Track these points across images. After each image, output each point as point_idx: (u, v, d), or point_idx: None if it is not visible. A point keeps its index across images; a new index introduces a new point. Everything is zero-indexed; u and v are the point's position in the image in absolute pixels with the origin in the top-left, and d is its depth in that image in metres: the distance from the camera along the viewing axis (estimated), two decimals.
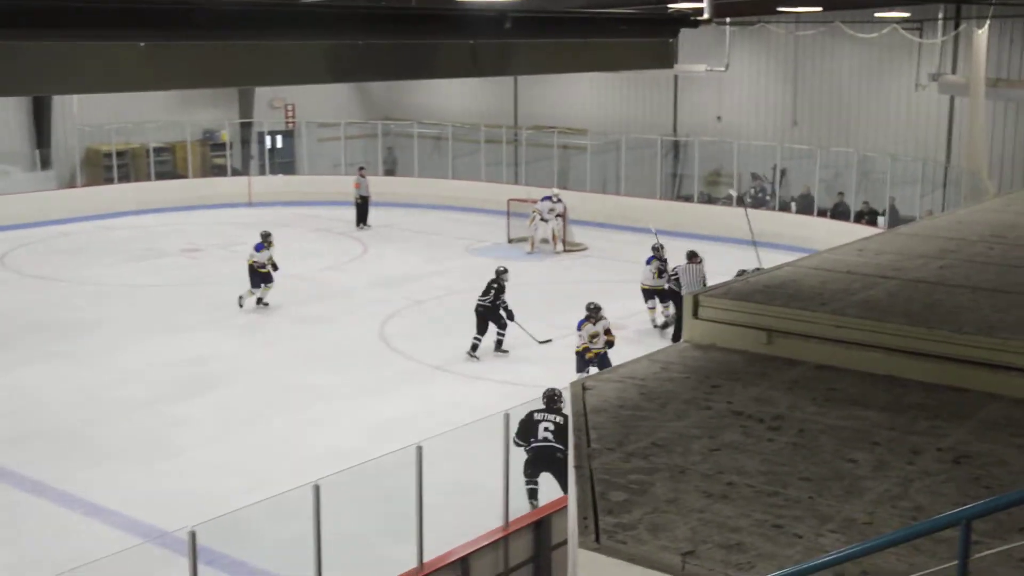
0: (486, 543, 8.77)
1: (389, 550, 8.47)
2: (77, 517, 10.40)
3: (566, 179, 29.20)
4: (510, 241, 24.99)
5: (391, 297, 19.39)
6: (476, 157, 30.50)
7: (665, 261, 17.85)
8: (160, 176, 30.56)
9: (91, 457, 12.02)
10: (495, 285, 15.98)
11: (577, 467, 5.23)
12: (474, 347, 15.60)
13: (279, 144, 33.60)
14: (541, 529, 9.06)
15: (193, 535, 6.71)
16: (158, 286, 20.83)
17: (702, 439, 5.50)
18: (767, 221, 24.01)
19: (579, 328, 14.12)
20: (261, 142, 32.87)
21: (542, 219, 24.03)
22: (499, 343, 15.96)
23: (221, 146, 31.92)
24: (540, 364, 15.03)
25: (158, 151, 30.75)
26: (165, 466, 11.80)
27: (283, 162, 32.92)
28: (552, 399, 10.30)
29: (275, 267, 18.57)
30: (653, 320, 17.63)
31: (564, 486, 9.09)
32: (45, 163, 29.42)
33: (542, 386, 10.55)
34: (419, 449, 8.18)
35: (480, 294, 15.93)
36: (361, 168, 27.60)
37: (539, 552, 9.08)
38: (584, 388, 6.29)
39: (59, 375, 14.84)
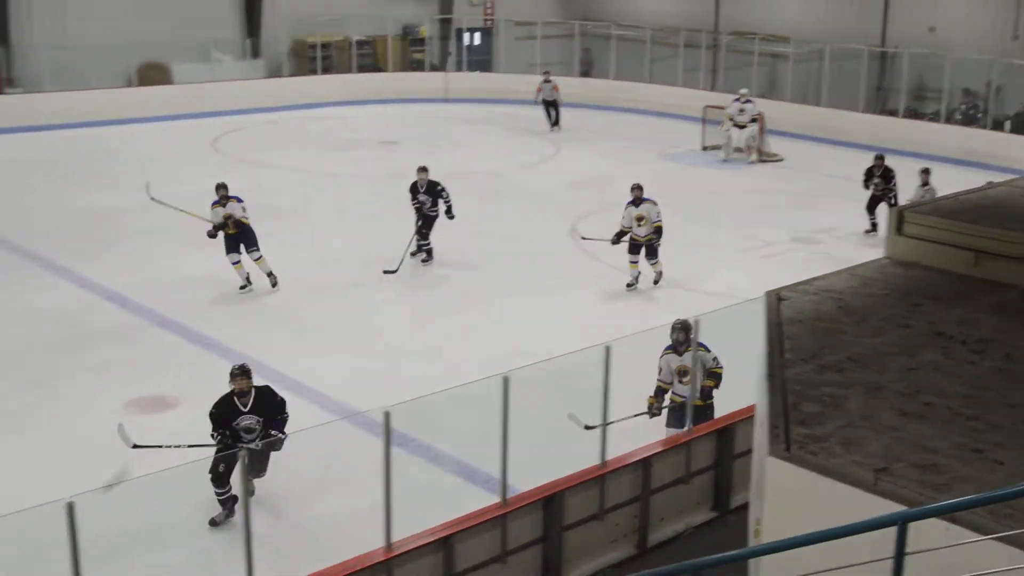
0: (667, 447, 8.85)
1: (572, 447, 8.63)
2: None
3: (766, 88, 28.39)
4: (704, 148, 24.58)
5: (582, 199, 19.42)
6: (674, 62, 29.91)
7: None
8: (361, 69, 31.24)
9: (292, 335, 12.61)
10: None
11: (769, 376, 5.22)
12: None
13: (476, 41, 33.74)
14: (724, 437, 9.07)
15: (387, 416, 6.98)
16: (356, 176, 21.48)
17: (900, 357, 5.39)
18: (978, 140, 22.85)
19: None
20: (459, 39, 33.09)
21: (734, 124, 23.47)
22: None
23: (420, 41, 32.33)
24: (750, 274, 14.65)
25: (360, 44, 31.42)
26: (362, 348, 12.27)
27: (479, 59, 33.07)
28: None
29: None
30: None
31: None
32: (255, 52, 30.44)
33: (736, 296, 10.42)
34: (607, 349, 8.26)
35: None
36: (546, 72, 27.38)
37: (720, 460, 9.11)
38: (779, 299, 6.23)
39: (264, 255, 15.52)
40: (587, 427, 8.34)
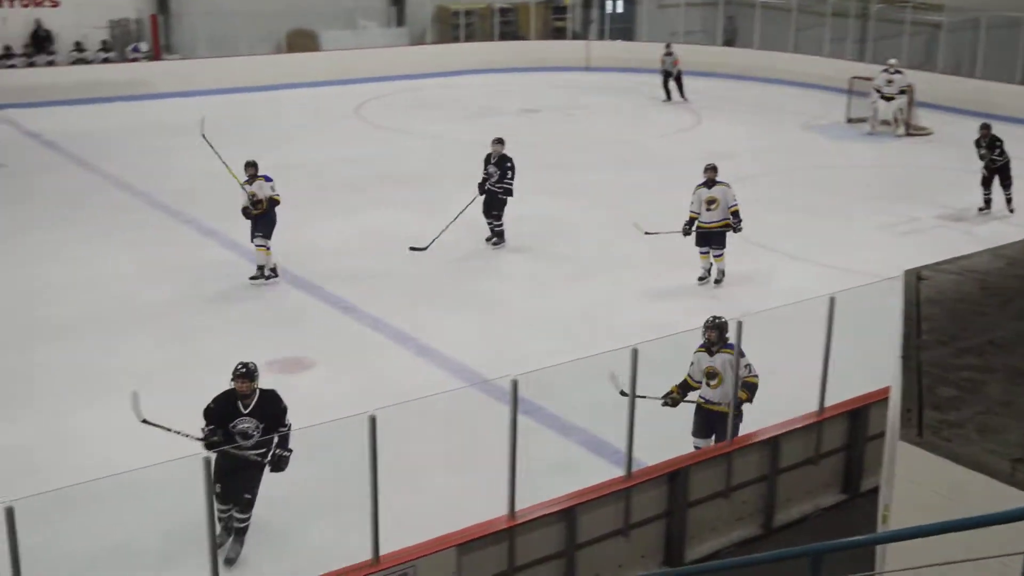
0: (798, 426, 8.68)
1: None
2: (408, 355, 11.15)
3: (917, 58, 27.40)
4: (849, 121, 23.88)
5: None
6: (819, 31, 29.11)
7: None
8: (503, 37, 31.32)
9: (425, 299, 12.79)
10: None
11: (904, 358, 5.06)
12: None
13: (619, 9, 33.44)
14: (857, 418, 8.85)
15: (515, 384, 7.03)
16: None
17: None
18: None
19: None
20: (602, 7, 32.85)
21: (881, 96, 22.72)
22: None
23: (563, 9, 32.21)
24: (888, 252, 14.22)
25: (503, 12, 31.49)
26: (491, 316, 12.38)
27: (622, 27, 32.78)
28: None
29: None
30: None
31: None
32: (400, 20, 30.81)
33: (871, 274, 10.11)
34: (739, 324, 8.15)
35: None
36: (667, 43, 26.82)
37: (853, 441, 8.90)
38: (919, 278, 6.03)
39: (400, 221, 15.78)
40: (622, 392, 7.75)
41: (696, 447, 8.58)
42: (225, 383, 7.52)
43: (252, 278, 13.06)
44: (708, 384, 8.53)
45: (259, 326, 11.90)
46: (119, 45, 27.15)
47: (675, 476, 7.98)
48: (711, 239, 13.01)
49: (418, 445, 8.95)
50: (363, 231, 15.39)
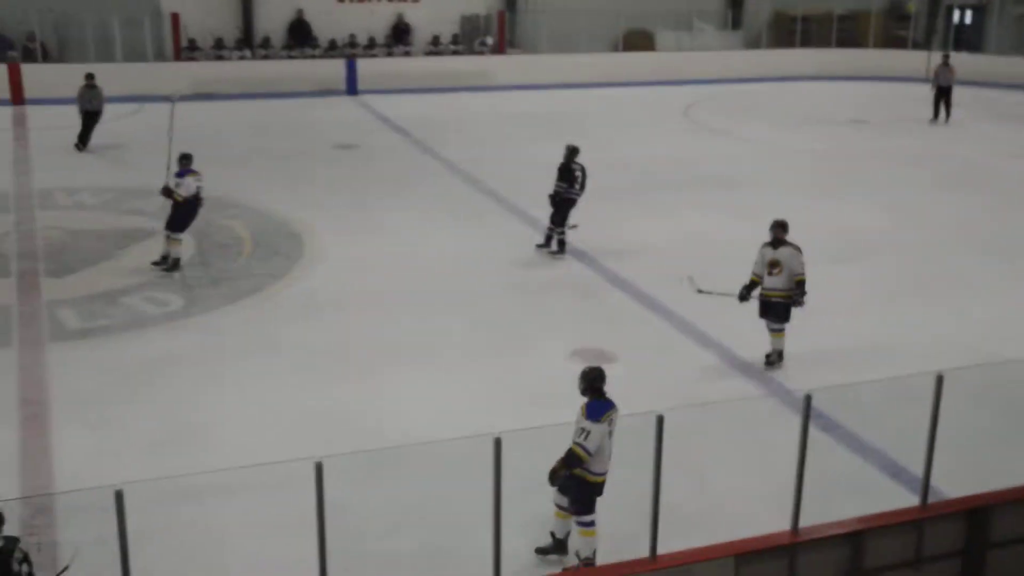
0: None
1: (1013, 459, 8.09)
2: (711, 358, 11.15)
3: None
4: None
5: None
6: None
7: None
8: (840, 43, 30.48)
9: (736, 307, 12.65)
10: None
11: None
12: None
13: (967, 20, 31.67)
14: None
15: (808, 398, 6.96)
16: (819, 152, 21.11)
17: None
18: None
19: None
20: (948, 16, 31.23)
21: None
22: None
23: (905, 18, 30.94)
24: None
25: (842, 19, 30.64)
26: (800, 326, 12.11)
27: (969, 39, 31.03)
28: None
29: None
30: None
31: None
32: (736, 23, 30.63)
33: None
34: None
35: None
36: (945, 55, 24.92)
37: None
38: None
39: (718, 225, 15.78)
40: (699, 291, 10.37)
41: (765, 325, 10.62)
42: (531, 368, 7.75)
43: (153, 263, 13.15)
44: (770, 273, 10.47)
45: (568, 316, 12.29)
46: (468, 39, 28.65)
47: (975, 513, 7.61)
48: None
49: (707, 448, 9.01)
50: (679, 231, 15.52)
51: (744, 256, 14.24)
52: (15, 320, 11.64)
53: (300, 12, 27.44)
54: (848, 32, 30.93)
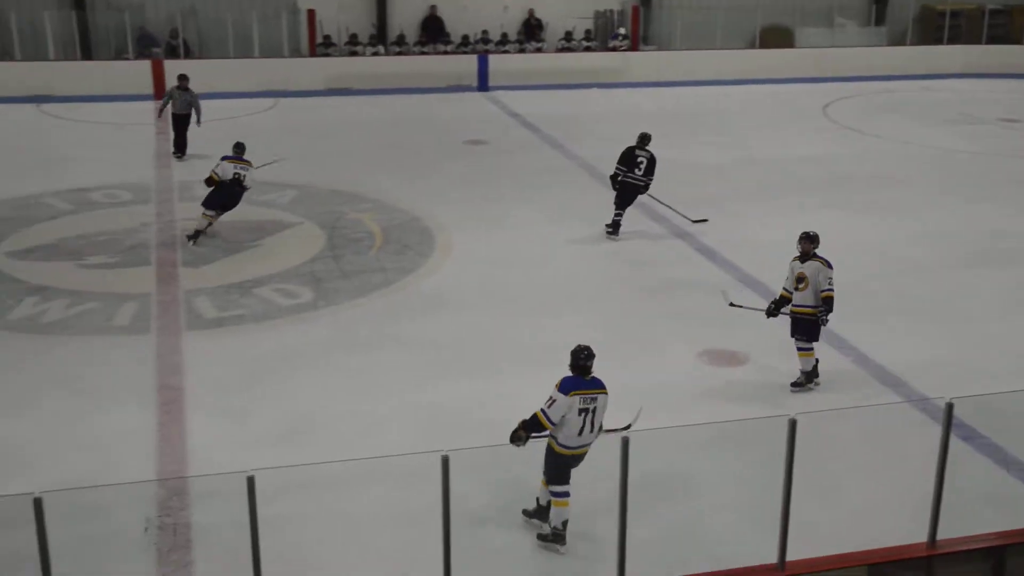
0: None
1: None
2: (846, 363, 10.82)
3: None
4: None
5: None
6: None
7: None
8: (991, 40, 29.35)
9: (874, 308, 12.31)
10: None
11: None
12: None
13: None
14: None
15: (950, 406, 6.68)
16: (967, 152, 20.36)
17: None
18: None
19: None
20: None
21: None
22: None
23: None
24: None
25: (994, 14, 29.46)
26: (943, 331, 11.70)
27: None
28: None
29: None
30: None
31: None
32: (879, 19, 29.79)
33: None
34: None
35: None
36: None
37: None
38: None
39: (852, 226, 15.35)
40: (731, 304, 10.31)
41: (793, 343, 10.11)
42: (658, 369, 7.61)
43: (187, 236, 14.22)
44: (797, 288, 9.95)
45: (696, 316, 12.07)
46: (601, 35, 28.52)
47: None
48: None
49: (840, 454, 8.74)
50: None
51: (882, 259, 13.95)
52: (154, 308, 12.00)
53: (433, 8, 27.69)
54: (1000, 28, 29.72)
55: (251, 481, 5.82)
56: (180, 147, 18.75)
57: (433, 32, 27.72)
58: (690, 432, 8.26)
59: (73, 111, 22.46)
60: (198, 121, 18.52)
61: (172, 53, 25.11)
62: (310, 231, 14.79)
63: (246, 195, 14.48)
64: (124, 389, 10.01)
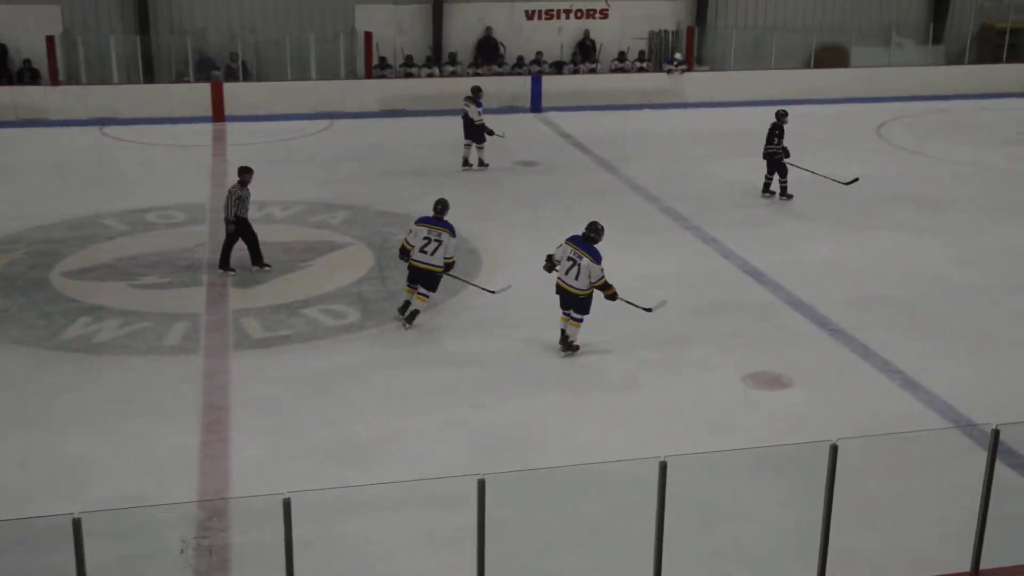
0: None
1: None
2: (893, 387, 10.71)
3: None
4: None
5: None
6: None
7: None
8: None
9: (917, 332, 12.17)
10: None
11: None
12: None
13: None
14: None
15: (996, 433, 6.57)
16: (1020, 173, 20.09)
17: None
18: None
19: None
20: None
21: None
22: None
23: None
24: None
25: None
26: (990, 355, 11.52)
27: None
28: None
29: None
30: None
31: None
32: (936, 38, 29.44)
33: None
34: None
35: None
36: None
37: None
38: None
39: (905, 247, 15.18)
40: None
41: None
42: (703, 391, 7.52)
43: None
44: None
45: (742, 337, 12.00)
46: (656, 56, 28.47)
47: None
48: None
49: (883, 480, 8.62)
50: (863, 253, 14.97)
51: (933, 281, 13.75)
52: (203, 328, 12.16)
53: (488, 29, 27.82)
54: None
55: (287, 503, 5.87)
56: (257, 260, 14.24)
57: (488, 53, 27.85)
58: (733, 456, 8.19)
59: (134, 133, 22.87)
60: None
61: (231, 75, 25.49)
62: (360, 252, 14.91)
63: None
64: (171, 408, 10.16)
